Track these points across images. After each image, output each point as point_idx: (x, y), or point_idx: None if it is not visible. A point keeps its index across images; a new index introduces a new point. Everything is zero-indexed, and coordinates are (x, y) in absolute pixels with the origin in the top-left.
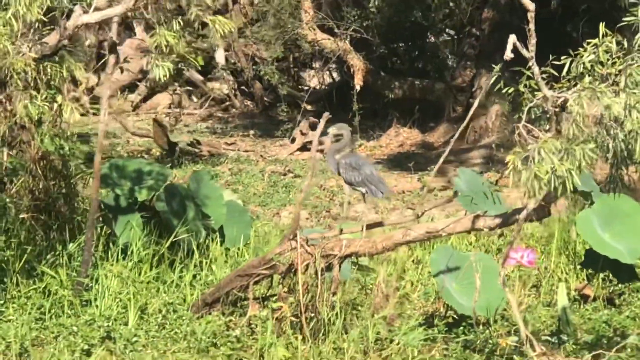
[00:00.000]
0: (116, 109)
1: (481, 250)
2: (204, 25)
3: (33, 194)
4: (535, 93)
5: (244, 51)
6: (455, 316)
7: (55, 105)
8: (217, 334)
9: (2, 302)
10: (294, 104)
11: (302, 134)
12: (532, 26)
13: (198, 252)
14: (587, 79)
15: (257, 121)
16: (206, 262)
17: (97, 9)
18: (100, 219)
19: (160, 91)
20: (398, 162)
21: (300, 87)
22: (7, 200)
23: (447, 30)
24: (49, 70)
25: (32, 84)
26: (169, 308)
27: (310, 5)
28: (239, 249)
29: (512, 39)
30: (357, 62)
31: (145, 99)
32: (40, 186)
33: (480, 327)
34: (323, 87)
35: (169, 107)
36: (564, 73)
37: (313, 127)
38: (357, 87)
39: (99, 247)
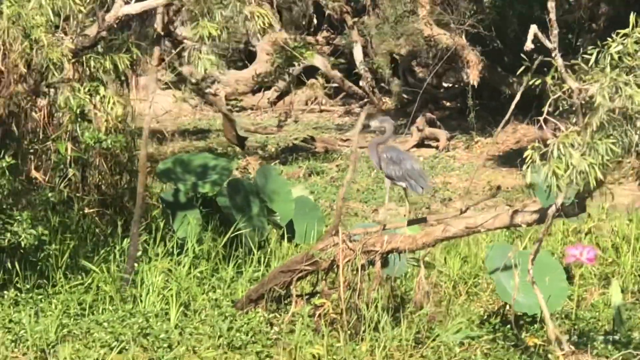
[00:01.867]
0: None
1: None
2: (341, 22)
3: (99, 188)
4: (563, 85)
5: (382, 48)
6: (519, 313)
7: (98, 97)
8: (256, 331)
9: (42, 296)
10: (433, 101)
11: (419, 130)
12: (552, 16)
13: (263, 248)
14: (608, 69)
15: (393, 118)
16: (269, 259)
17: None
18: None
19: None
20: (510, 158)
21: (441, 84)
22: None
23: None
24: (91, 62)
25: (73, 76)
26: (213, 304)
27: (427, 0)
28: (309, 245)
29: (533, 28)
30: (472, 58)
31: (281, 96)
32: (106, 181)
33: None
34: (461, 84)
35: (306, 104)
36: (591, 63)
37: (430, 122)
38: (474, 83)
39: (156, 242)
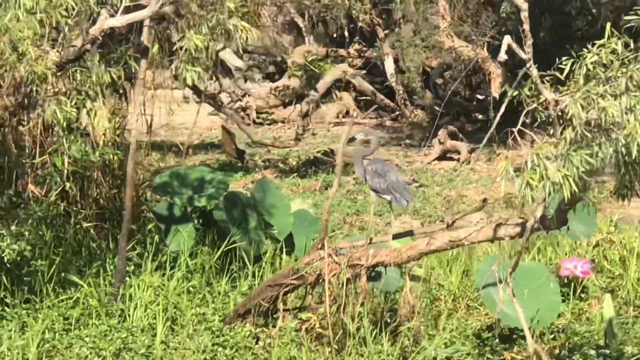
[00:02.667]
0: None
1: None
2: (372, 34)
3: (97, 202)
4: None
5: (413, 60)
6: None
7: (84, 111)
8: (240, 346)
9: (30, 311)
10: (465, 113)
11: (440, 142)
12: (526, 27)
13: (260, 262)
14: (581, 81)
15: (422, 131)
16: (264, 272)
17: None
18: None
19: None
20: None
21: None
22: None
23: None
24: (77, 75)
25: (59, 89)
26: (200, 319)
27: (448, 12)
28: None
29: (507, 39)
30: (493, 70)
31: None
32: (104, 195)
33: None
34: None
35: (337, 117)
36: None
37: (453, 135)
38: (495, 95)
39: (148, 256)
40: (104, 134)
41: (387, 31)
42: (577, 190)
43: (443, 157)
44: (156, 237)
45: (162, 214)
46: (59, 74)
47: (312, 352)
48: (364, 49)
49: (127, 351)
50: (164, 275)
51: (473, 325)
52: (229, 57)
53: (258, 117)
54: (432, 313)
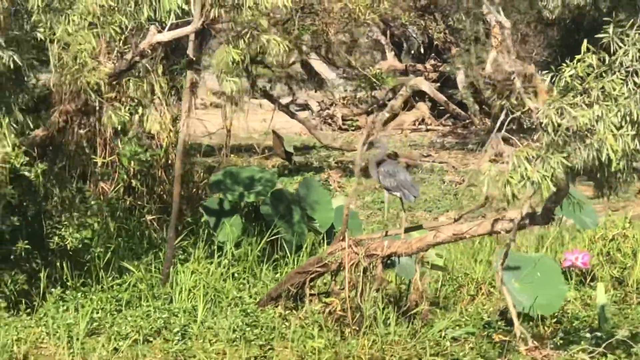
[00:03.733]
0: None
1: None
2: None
3: (161, 198)
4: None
5: (481, 73)
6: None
7: (137, 116)
8: (269, 326)
9: (87, 293)
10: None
11: (493, 148)
12: (509, 42)
13: (301, 252)
14: (555, 92)
15: (488, 137)
16: (304, 261)
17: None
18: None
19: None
20: None
21: None
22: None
23: None
24: (130, 84)
25: (114, 97)
26: (237, 302)
27: (499, 31)
28: None
29: (492, 55)
30: (539, 84)
31: (394, 117)
32: (167, 191)
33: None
34: None
35: (414, 124)
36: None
37: (505, 140)
38: (538, 106)
39: (199, 246)
40: (167, 137)
41: (458, 48)
42: (555, 188)
43: (494, 161)
44: (206, 230)
45: (213, 208)
46: (114, 83)
47: (331, 332)
48: (439, 64)
49: (166, 330)
50: (211, 263)
51: (490, 310)
52: (324, 70)
53: (344, 124)
54: (454, 299)
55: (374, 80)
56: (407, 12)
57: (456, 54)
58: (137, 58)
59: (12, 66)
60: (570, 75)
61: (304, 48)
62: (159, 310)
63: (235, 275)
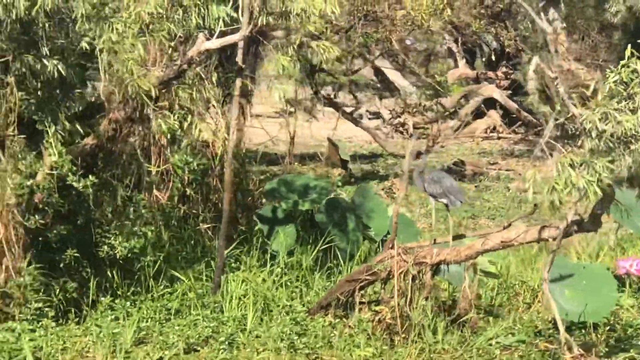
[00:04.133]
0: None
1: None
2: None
3: (215, 206)
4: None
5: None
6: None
7: (186, 124)
8: (317, 335)
9: (137, 302)
10: None
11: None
12: (551, 48)
13: (355, 260)
14: (599, 97)
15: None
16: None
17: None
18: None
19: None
20: None
21: None
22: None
23: None
24: (179, 92)
25: (163, 104)
26: (288, 310)
27: (565, 38)
28: None
29: (535, 60)
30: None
31: (467, 124)
32: (222, 199)
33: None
34: None
35: (486, 132)
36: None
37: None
38: None
39: (252, 254)
40: (222, 145)
41: (529, 55)
42: (601, 193)
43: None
44: (259, 238)
45: (267, 217)
46: (163, 90)
47: (377, 341)
48: (510, 71)
49: (213, 339)
50: (262, 271)
51: (545, 318)
52: (397, 79)
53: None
54: (509, 307)
55: (439, 88)
56: (478, 19)
57: (526, 61)
58: (185, 66)
59: (55, 75)
60: (615, 81)
61: (369, 55)
62: (207, 319)
63: (288, 283)
